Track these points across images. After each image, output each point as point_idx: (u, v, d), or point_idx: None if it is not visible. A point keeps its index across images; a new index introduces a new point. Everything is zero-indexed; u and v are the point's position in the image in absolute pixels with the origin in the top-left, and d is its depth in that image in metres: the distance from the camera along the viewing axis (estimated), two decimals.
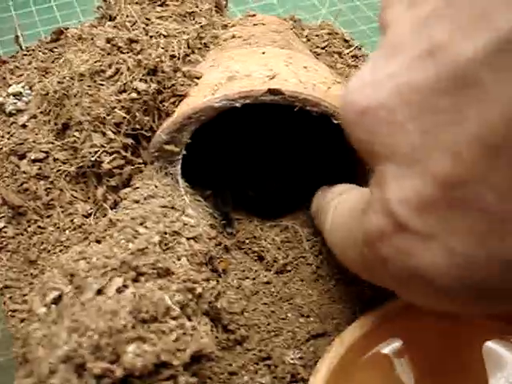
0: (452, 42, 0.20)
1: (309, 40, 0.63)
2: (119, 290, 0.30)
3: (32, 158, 0.47)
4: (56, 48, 0.61)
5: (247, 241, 0.46)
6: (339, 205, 0.33)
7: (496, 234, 0.21)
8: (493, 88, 0.19)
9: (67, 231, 0.44)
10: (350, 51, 0.61)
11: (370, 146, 0.24)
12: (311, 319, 0.41)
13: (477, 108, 0.20)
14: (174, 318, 0.30)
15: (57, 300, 0.31)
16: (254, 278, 0.43)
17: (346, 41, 0.63)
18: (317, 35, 0.63)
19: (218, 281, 0.40)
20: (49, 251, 0.44)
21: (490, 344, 0.36)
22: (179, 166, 0.43)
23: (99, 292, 0.30)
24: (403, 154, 0.22)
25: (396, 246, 0.24)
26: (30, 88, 0.54)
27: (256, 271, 0.44)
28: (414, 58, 0.22)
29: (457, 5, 0.21)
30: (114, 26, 0.48)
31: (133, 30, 0.46)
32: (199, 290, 0.34)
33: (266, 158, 0.50)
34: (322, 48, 0.61)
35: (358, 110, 0.24)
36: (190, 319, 0.32)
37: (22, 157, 0.48)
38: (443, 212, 0.22)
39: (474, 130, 0.20)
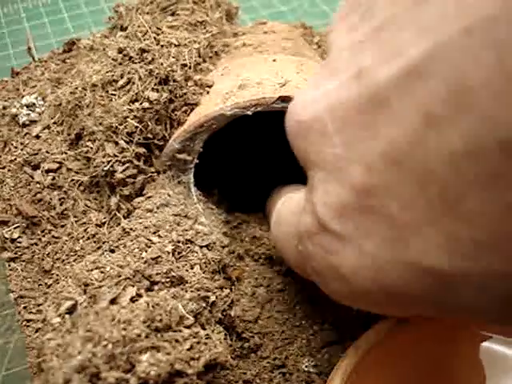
0: (374, 66, 0.22)
1: (319, 47, 0.63)
2: (133, 299, 0.31)
3: (45, 168, 0.47)
4: (68, 59, 0.62)
5: (253, 246, 0.45)
6: (285, 202, 0.35)
7: (399, 240, 0.22)
8: (398, 110, 0.21)
9: (81, 241, 0.45)
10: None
11: (303, 153, 0.27)
12: (326, 326, 0.40)
13: (386, 127, 0.22)
14: (188, 327, 0.30)
15: (71, 310, 0.31)
16: (267, 286, 0.43)
17: None
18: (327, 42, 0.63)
19: (231, 289, 0.40)
20: (63, 261, 0.44)
21: (488, 344, 0.36)
22: (192, 175, 0.43)
23: (113, 301, 0.30)
24: (329, 162, 0.25)
25: (319, 244, 0.26)
26: (43, 99, 0.54)
27: (270, 278, 0.44)
28: (345, 78, 0.24)
29: (383, 33, 0.23)
30: (126, 36, 0.48)
31: (144, 39, 0.46)
32: (213, 298, 0.34)
33: (270, 163, 0.50)
34: None
35: (298, 120, 0.27)
36: (203, 328, 0.32)
37: (35, 167, 0.48)
38: (357, 217, 0.23)
39: (382, 146, 0.22)
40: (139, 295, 0.31)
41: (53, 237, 0.45)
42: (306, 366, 0.38)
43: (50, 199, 0.46)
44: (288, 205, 0.34)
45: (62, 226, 0.46)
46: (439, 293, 0.23)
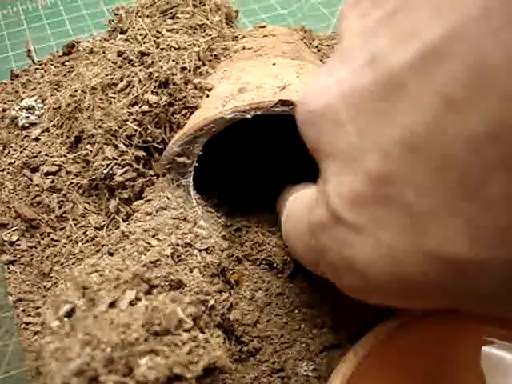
0: (388, 51, 0.22)
1: (319, 50, 0.63)
2: (132, 303, 0.30)
3: (45, 171, 0.47)
4: (68, 61, 0.62)
5: (253, 251, 0.45)
6: (296, 199, 0.35)
7: (417, 230, 0.22)
8: (416, 95, 0.21)
9: (80, 243, 0.45)
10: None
11: (316, 143, 0.26)
12: (325, 330, 0.40)
13: (402, 112, 0.21)
14: (187, 331, 0.30)
15: (69, 313, 0.31)
16: (266, 289, 0.43)
17: None
18: (327, 45, 0.64)
19: (230, 292, 0.40)
20: (62, 264, 0.44)
21: (488, 348, 0.36)
22: (191, 178, 0.43)
23: (112, 305, 0.30)
24: (343, 151, 0.24)
25: (333, 236, 0.25)
26: (43, 101, 0.54)
27: (269, 282, 0.44)
28: (358, 65, 0.24)
29: (397, 17, 0.22)
30: (126, 40, 0.48)
31: (144, 43, 0.46)
32: (212, 301, 0.34)
33: (271, 166, 0.50)
34: None
35: (309, 110, 0.26)
36: (202, 331, 0.32)
37: (34, 170, 0.48)
38: (373, 206, 0.23)
39: (399, 132, 0.21)
40: (138, 299, 0.31)
41: (52, 240, 0.45)
42: (305, 370, 0.38)
43: (49, 202, 0.46)
44: (300, 201, 0.33)
45: (61, 229, 0.46)
46: (459, 283, 0.22)
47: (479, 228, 0.20)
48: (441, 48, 0.20)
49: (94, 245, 0.44)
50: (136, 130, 0.42)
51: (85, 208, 0.46)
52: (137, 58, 0.45)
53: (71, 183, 0.46)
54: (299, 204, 0.33)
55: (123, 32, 0.51)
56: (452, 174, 0.20)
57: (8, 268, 0.45)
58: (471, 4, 0.19)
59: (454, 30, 0.19)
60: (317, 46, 0.64)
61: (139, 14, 0.52)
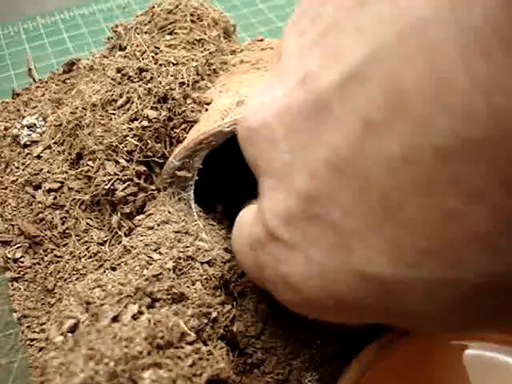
0: (317, 72, 0.22)
1: None
2: (134, 317, 0.31)
3: (47, 187, 0.47)
4: (68, 79, 0.62)
5: None
6: (244, 213, 0.35)
7: (343, 248, 0.22)
8: (339, 116, 0.21)
9: (83, 259, 0.45)
10: None
11: (254, 160, 0.27)
12: (328, 341, 0.40)
13: (328, 133, 0.22)
14: (190, 343, 0.31)
15: (73, 328, 0.31)
16: (270, 301, 0.43)
17: None
18: None
19: (233, 304, 0.40)
20: (65, 280, 0.44)
21: (470, 351, 0.36)
22: (192, 191, 0.43)
23: (115, 319, 0.31)
24: (276, 169, 0.25)
25: (269, 253, 0.26)
26: (44, 119, 0.55)
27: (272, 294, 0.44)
28: (292, 84, 0.24)
29: (327, 38, 0.23)
30: (125, 56, 0.49)
31: (142, 59, 0.47)
32: (214, 314, 0.34)
33: None
34: None
35: (248, 128, 0.27)
36: (205, 344, 0.32)
37: (37, 187, 0.48)
38: (304, 224, 0.23)
39: (325, 152, 0.22)
40: (141, 312, 0.31)
41: (55, 256, 0.46)
42: (310, 381, 0.38)
43: (52, 219, 0.46)
44: (245, 215, 0.33)
45: (64, 245, 0.46)
46: (385, 300, 0.23)
47: (399, 248, 0.21)
48: (361, 71, 0.20)
49: (96, 260, 0.44)
50: (136, 146, 0.42)
51: (87, 224, 0.46)
52: (136, 74, 0.45)
53: (73, 199, 0.46)
54: (244, 219, 0.33)
55: (122, 49, 0.52)
56: (372, 195, 0.21)
57: (12, 285, 0.45)
58: (388, 28, 0.19)
59: (372, 54, 0.20)
60: None
61: (138, 30, 0.53)
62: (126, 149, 0.42)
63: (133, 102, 0.43)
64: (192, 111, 0.44)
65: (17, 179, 0.50)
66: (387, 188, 0.20)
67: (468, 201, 0.18)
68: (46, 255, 0.46)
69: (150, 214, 0.42)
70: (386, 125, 0.19)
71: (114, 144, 0.42)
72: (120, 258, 0.38)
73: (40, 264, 0.46)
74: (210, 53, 0.51)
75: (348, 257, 0.22)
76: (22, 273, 0.45)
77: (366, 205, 0.21)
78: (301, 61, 0.24)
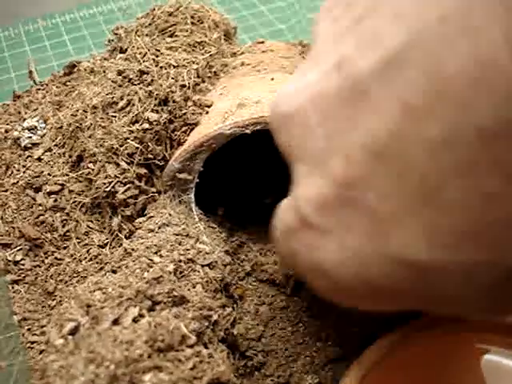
0: (354, 57, 0.22)
1: None
2: (135, 320, 0.31)
3: (48, 190, 0.47)
4: (69, 81, 0.62)
5: (256, 266, 0.45)
6: (282, 203, 0.35)
7: (379, 233, 0.22)
8: (378, 101, 0.21)
9: (84, 262, 0.45)
10: None
11: (288, 147, 0.26)
12: (329, 343, 0.40)
13: (365, 118, 0.22)
14: (190, 346, 0.31)
15: (73, 331, 0.31)
16: (270, 304, 0.43)
17: None
18: None
19: (233, 307, 0.40)
20: (66, 282, 0.44)
21: (489, 356, 0.36)
22: (193, 194, 0.43)
23: (115, 322, 0.31)
24: (311, 155, 0.25)
25: (302, 240, 0.26)
26: (45, 122, 0.55)
27: (273, 296, 0.44)
28: (326, 69, 0.24)
29: (363, 23, 0.23)
30: (125, 59, 0.49)
31: (143, 61, 0.47)
32: (215, 317, 0.34)
33: (271, 180, 0.50)
34: None
35: (281, 114, 0.26)
36: (206, 347, 0.32)
37: (37, 190, 0.48)
38: (338, 210, 0.23)
39: (362, 137, 0.22)
40: (141, 315, 0.31)
41: (55, 258, 0.46)
42: (310, 383, 0.38)
43: (53, 221, 0.46)
44: (282, 205, 0.34)
45: (65, 248, 0.46)
46: (422, 285, 0.23)
47: (438, 231, 0.21)
48: (401, 55, 0.20)
49: (97, 263, 0.44)
50: (137, 148, 0.42)
51: (88, 226, 0.46)
52: (136, 76, 0.45)
53: (74, 202, 0.46)
54: (279, 208, 0.33)
55: (123, 51, 0.52)
56: (411, 179, 0.21)
57: (13, 287, 0.45)
58: (428, 12, 0.19)
59: (412, 38, 0.20)
60: None
61: (138, 33, 0.53)
62: (126, 151, 0.42)
63: (133, 105, 0.43)
64: (193, 114, 0.44)
65: (17, 182, 0.50)
66: (427, 171, 0.20)
67: (508, 182, 0.19)
68: (46, 258, 0.46)
69: (150, 217, 0.42)
70: (426, 108, 0.19)
71: (115, 146, 0.42)
72: (121, 260, 0.38)
73: (40, 266, 0.46)
74: (210, 55, 0.51)
75: (384, 242, 0.22)
76: (22, 275, 0.45)
77: (404, 188, 0.21)
78: (335, 47, 0.24)
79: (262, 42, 0.58)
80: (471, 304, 0.23)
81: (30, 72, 0.66)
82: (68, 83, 0.62)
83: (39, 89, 0.64)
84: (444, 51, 0.19)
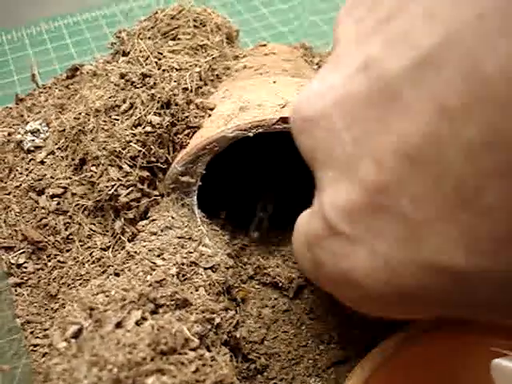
0: (382, 58, 0.22)
1: (320, 67, 0.64)
2: (138, 323, 0.31)
3: (50, 193, 0.47)
4: (72, 84, 0.63)
5: (258, 269, 0.45)
6: (303, 213, 0.34)
7: (413, 239, 0.22)
8: (411, 102, 0.20)
9: (86, 265, 0.45)
10: None
11: (311, 152, 0.26)
12: (332, 346, 0.40)
13: (397, 121, 0.21)
14: (193, 349, 0.31)
15: (77, 334, 0.31)
16: (273, 306, 0.43)
17: None
18: None
19: (236, 310, 0.40)
20: (69, 285, 0.44)
21: (499, 360, 0.35)
22: (195, 197, 0.43)
23: (118, 325, 0.31)
24: (338, 160, 0.24)
25: (329, 248, 0.25)
26: (47, 125, 0.55)
27: (275, 299, 0.44)
28: (352, 71, 0.23)
29: (390, 23, 0.22)
30: (128, 62, 0.49)
31: (146, 64, 0.47)
32: (218, 320, 0.34)
33: (274, 183, 0.50)
34: None
35: (304, 118, 0.26)
36: (209, 350, 0.32)
37: (40, 192, 0.48)
38: (368, 216, 0.23)
39: (394, 141, 0.21)
40: (144, 318, 0.31)
41: (58, 261, 0.46)
42: None
43: (56, 224, 0.46)
44: (303, 215, 0.32)
45: (68, 251, 0.46)
46: (456, 292, 0.22)
47: (475, 237, 0.20)
48: (435, 55, 0.20)
49: (100, 265, 0.44)
50: (140, 151, 0.42)
51: (90, 229, 0.46)
52: (139, 79, 0.45)
53: (77, 205, 0.46)
54: (301, 217, 0.32)
55: (125, 54, 0.52)
56: (447, 183, 0.20)
57: (15, 290, 0.45)
58: (465, 11, 0.19)
59: (448, 38, 0.19)
60: (317, 63, 0.64)
61: (141, 36, 0.53)
62: (129, 154, 0.42)
63: (136, 108, 0.43)
64: (195, 117, 0.44)
65: (20, 185, 0.50)
66: (465, 174, 0.19)
67: None
68: (49, 261, 0.46)
69: (153, 220, 0.42)
70: (464, 110, 0.19)
71: (118, 149, 0.42)
72: (123, 263, 0.38)
73: (43, 269, 0.46)
74: (213, 58, 0.51)
75: (418, 248, 0.22)
76: (25, 278, 0.45)
77: (439, 193, 0.20)
78: (359, 48, 0.24)
79: (265, 45, 0.58)
80: (504, 309, 0.23)
81: (33, 75, 0.66)
82: (71, 86, 0.62)
83: (42, 92, 0.64)
84: (482, 51, 0.18)
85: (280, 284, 0.44)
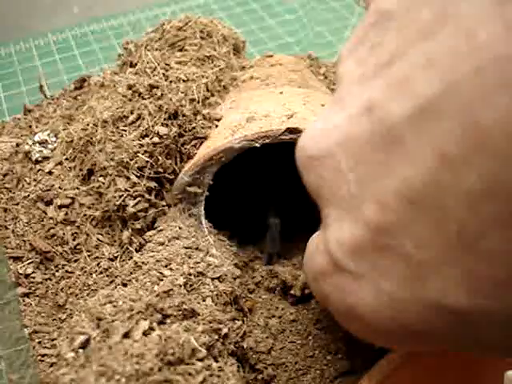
0: (384, 102, 0.22)
1: (326, 77, 0.64)
2: (145, 333, 0.31)
3: (58, 203, 0.48)
4: (80, 96, 0.63)
5: (265, 280, 0.45)
6: (312, 240, 0.33)
7: (417, 279, 0.22)
8: (413, 149, 0.21)
9: (94, 275, 0.45)
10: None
11: (317, 189, 0.26)
12: (339, 356, 0.40)
13: (400, 165, 0.21)
14: (201, 360, 0.31)
15: (84, 344, 0.31)
16: (280, 317, 0.43)
17: None
18: (334, 72, 0.64)
19: (243, 320, 0.40)
20: (76, 295, 0.45)
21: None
22: (202, 207, 0.44)
23: (126, 335, 0.31)
24: (343, 199, 0.24)
25: (334, 284, 0.25)
26: (55, 135, 0.55)
27: (282, 309, 0.44)
28: (355, 112, 0.24)
29: (392, 68, 0.22)
30: (135, 73, 0.49)
31: (153, 75, 0.47)
32: (225, 330, 0.34)
33: (280, 193, 0.50)
34: None
35: (309, 156, 0.26)
36: (216, 360, 0.32)
37: (48, 203, 0.49)
38: (373, 255, 0.23)
39: (397, 184, 0.21)
40: (152, 329, 0.31)
41: (66, 271, 0.46)
42: None
43: (63, 234, 0.47)
44: (309, 245, 0.32)
45: (75, 261, 0.46)
46: (460, 330, 0.22)
47: (478, 279, 0.20)
48: (435, 105, 0.20)
49: (107, 276, 0.44)
50: (147, 162, 0.43)
51: (98, 239, 0.46)
52: (146, 90, 0.45)
53: (84, 215, 0.47)
54: (307, 250, 0.32)
55: (133, 65, 0.52)
56: (450, 227, 0.20)
57: (23, 300, 0.45)
58: (464, 63, 0.19)
59: (447, 89, 0.19)
60: (323, 74, 0.65)
61: (148, 47, 0.53)
62: (136, 165, 0.43)
63: (143, 119, 0.44)
64: (202, 127, 0.44)
65: (28, 195, 0.50)
66: (466, 220, 0.20)
67: None
68: (57, 271, 0.46)
69: (160, 230, 0.43)
70: (464, 159, 0.19)
71: (125, 160, 0.43)
72: (131, 273, 0.39)
73: (51, 279, 0.46)
74: (219, 69, 0.51)
75: (422, 288, 0.22)
76: (33, 288, 0.46)
77: (442, 237, 0.20)
78: (362, 90, 0.24)
79: (271, 56, 0.58)
80: (507, 348, 0.23)
81: (41, 86, 0.66)
82: (78, 97, 0.63)
83: (50, 103, 0.65)
84: (481, 104, 0.18)
85: (285, 290, 0.44)
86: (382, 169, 0.22)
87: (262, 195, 0.50)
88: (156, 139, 0.43)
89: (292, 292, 0.44)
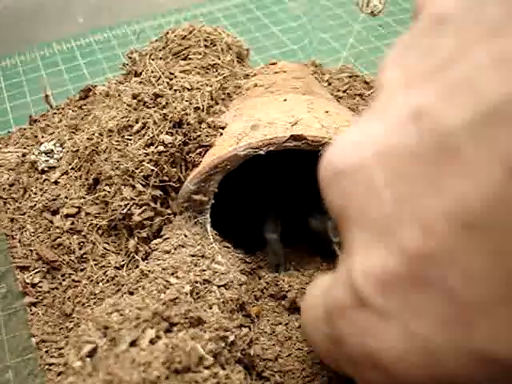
0: (437, 108, 0.19)
1: (330, 84, 0.64)
2: (152, 341, 0.31)
3: (65, 213, 0.48)
4: (85, 105, 0.63)
5: (271, 287, 0.45)
6: (315, 284, 0.30)
7: (461, 322, 0.19)
8: (473, 161, 0.18)
9: (101, 284, 0.45)
10: (372, 93, 0.61)
11: (341, 208, 0.23)
12: None
13: (454, 181, 0.18)
14: (208, 367, 0.31)
15: (91, 353, 0.31)
16: (286, 324, 0.43)
17: (366, 83, 0.64)
18: (338, 79, 0.64)
19: (250, 327, 0.40)
20: (83, 304, 0.45)
21: None
22: (208, 215, 0.44)
23: (133, 344, 0.31)
24: (374, 221, 0.21)
25: (353, 322, 0.22)
26: (61, 145, 0.55)
27: (288, 316, 0.44)
28: (398, 121, 0.21)
29: (448, 71, 0.20)
30: (140, 82, 0.49)
31: (158, 84, 0.48)
32: (232, 337, 0.34)
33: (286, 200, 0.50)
34: (344, 91, 0.62)
35: (336, 170, 0.23)
36: (223, 368, 0.32)
37: (55, 212, 0.49)
38: (407, 289, 0.20)
39: (448, 204, 0.18)
40: (158, 337, 0.31)
41: (73, 281, 0.46)
42: None
43: (70, 243, 0.47)
44: (317, 285, 0.29)
45: (82, 270, 0.46)
46: (504, 382, 0.20)
47: None
48: (506, 109, 0.17)
49: (114, 284, 0.44)
50: (152, 170, 0.43)
51: (104, 248, 0.46)
52: (151, 99, 0.46)
53: (91, 224, 0.47)
54: (315, 289, 0.29)
55: (137, 75, 0.53)
56: (510, 258, 0.17)
57: (30, 310, 0.45)
58: None
59: None
60: (327, 80, 0.65)
61: (152, 56, 0.53)
62: (142, 174, 0.43)
63: (148, 128, 0.44)
64: (207, 136, 0.44)
65: (35, 205, 0.51)
66: None
67: None
68: (63, 280, 0.46)
69: (166, 238, 0.43)
70: None
71: (131, 169, 0.43)
72: (137, 282, 0.39)
73: (58, 289, 0.46)
74: (223, 77, 0.52)
75: (467, 333, 0.19)
76: (40, 298, 0.46)
77: (500, 269, 0.18)
78: (409, 97, 0.21)
79: (275, 63, 0.58)
80: None
81: (46, 96, 0.67)
82: (84, 107, 0.63)
83: (55, 113, 0.65)
84: None
85: (287, 298, 0.44)
86: (428, 185, 0.19)
87: (265, 201, 0.50)
88: (161, 148, 0.43)
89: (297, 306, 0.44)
